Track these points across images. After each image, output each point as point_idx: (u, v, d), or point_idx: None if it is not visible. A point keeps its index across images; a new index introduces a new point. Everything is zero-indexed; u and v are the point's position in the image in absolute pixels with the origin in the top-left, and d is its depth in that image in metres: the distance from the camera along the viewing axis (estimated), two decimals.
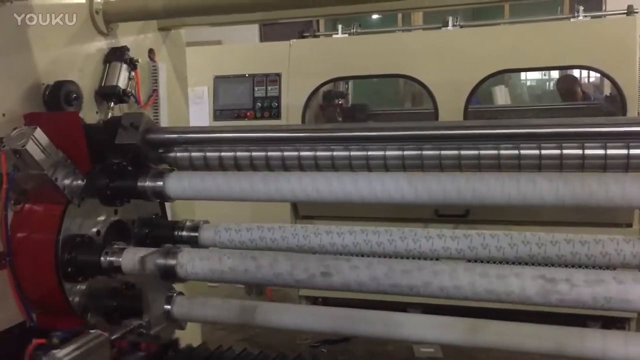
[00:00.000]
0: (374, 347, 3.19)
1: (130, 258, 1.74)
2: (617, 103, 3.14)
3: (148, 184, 1.79)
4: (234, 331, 3.39)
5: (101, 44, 2.03)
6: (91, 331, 1.54)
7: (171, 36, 2.38)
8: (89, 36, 2.00)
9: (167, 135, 1.82)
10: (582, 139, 1.50)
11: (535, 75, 7.37)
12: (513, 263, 1.81)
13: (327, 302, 3.48)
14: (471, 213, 3.38)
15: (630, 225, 3.17)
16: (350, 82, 4.46)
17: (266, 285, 3.34)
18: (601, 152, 1.49)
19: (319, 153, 1.78)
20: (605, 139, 1.48)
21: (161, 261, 1.72)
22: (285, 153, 1.81)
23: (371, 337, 1.75)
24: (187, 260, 1.74)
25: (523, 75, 7.18)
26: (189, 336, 2.08)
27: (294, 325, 1.87)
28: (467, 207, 3.31)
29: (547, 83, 7.15)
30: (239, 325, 2.65)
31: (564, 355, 1.55)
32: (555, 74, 5.68)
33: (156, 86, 2.23)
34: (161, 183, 1.79)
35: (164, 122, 2.26)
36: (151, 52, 2.27)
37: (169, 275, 1.74)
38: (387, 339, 1.69)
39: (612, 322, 3.17)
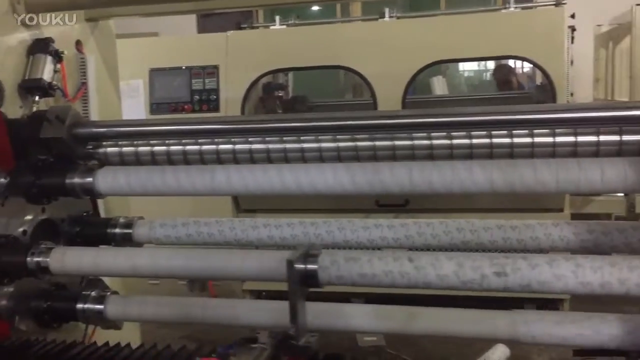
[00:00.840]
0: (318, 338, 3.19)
1: (58, 258, 1.67)
2: (547, 92, 3.24)
3: (77, 180, 1.72)
4: (176, 329, 3.34)
5: (23, 36, 1.94)
6: None
7: (100, 27, 2.30)
8: (10, 27, 1.90)
9: (95, 129, 1.76)
10: (510, 126, 1.54)
11: (473, 65, 7.55)
12: (448, 250, 1.84)
13: (271, 295, 3.47)
14: (411, 202, 3.44)
15: (561, 210, 3.28)
16: (290, 74, 4.45)
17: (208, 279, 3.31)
18: (528, 140, 1.54)
19: (254, 146, 1.76)
20: (531, 125, 1.52)
21: None
22: (221, 146, 1.79)
23: (316, 329, 1.74)
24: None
25: (461, 65, 7.35)
26: (128, 336, 2.02)
27: (235, 321, 1.85)
28: (406, 197, 3.36)
29: (484, 73, 7.34)
30: (179, 323, 2.59)
31: (499, 339, 1.59)
32: (492, 64, 5.82)
33: (85, 79, 2.15)
34: (91, 179, 1.73)
35: (94, 116, 2.18)
36: (79, 43, 2.18)
37: None
38: (331, 330, 1.68)
39: (546, 303, 3.29)
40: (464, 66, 7.54)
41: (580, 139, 1.52)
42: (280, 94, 4.15)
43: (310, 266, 1.48)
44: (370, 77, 3.38)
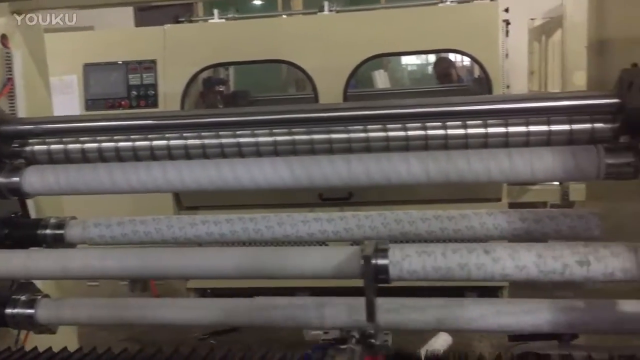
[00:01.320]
0: (264, 333, 3.18)
1: None
2: (484, 85, 3.31)
3: (2, 180, 1.65)
4: (115, 331, 3.25)
5: None
6: None
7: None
8: None
9: (21, 127, 1.68)
10: (444, 118, 1.56)
11: (415, 59, 7.66)
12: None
13: (216, 293, 3.42)
14: (354, 195, 3.45)
15: (499, 199, 3.37)
16: (231, 69, 4.39)
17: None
18: (462, 131, 1.56)
19: (190, 142, 1.73)
20: (464, 117, 1.54)
21: None
22: (155, 142, 1.74)
23: (262, 325, 1.72)
24: None
25: (403, 59, 7.44)
26: (65, 340, 1.95)
27: (179, 320, 1.80)
28: (348, 189, 3.37)
29: (427, 67, 7.45)
30: (118, 325, 2.52)
31: (441, 328, 1.60)
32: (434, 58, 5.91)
33: (11, 74, 2.06)
34: (17, 179, 1.66)
35: (21, 113, 2.09)
36: (4, 37, 2.09)
37: None
38: (277, 325, 1.66)
39: (487, 291, 3.37)
40: (406, 60, 7.64)
41: (511, 129, 1.55)
42: (221, 89, 4.09)
43: (381, 261, 1.44)
44: (311, 71, 3.38)
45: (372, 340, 1.41)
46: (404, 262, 1.45)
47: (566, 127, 1.51)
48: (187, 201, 3.57)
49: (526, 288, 3.11)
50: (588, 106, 1.45)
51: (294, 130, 1.66)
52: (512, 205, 3.43)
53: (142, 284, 3.52)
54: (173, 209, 3.54)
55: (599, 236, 1.57)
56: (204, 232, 1.75)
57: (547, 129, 1.53)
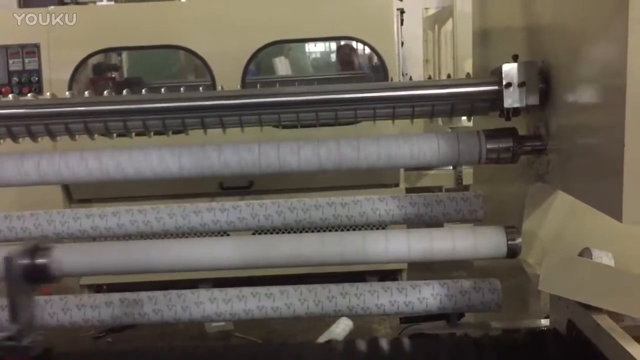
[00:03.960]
0: (163, 328, 3.10)
1: None
2: (381, 72, 3.37)
3: None
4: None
5: None
6: None
7: None
8: None
9: None
10: (333, 105, 1.56)
11: (318, 47, 7.67)
12: (283, 230, 1.84)
13: (112, 288, 3.29)
14: (255, 184, 3.42)
15: (397, 185, 3.46)
16: (124, 54, 4.19)
17: None
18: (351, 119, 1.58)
19: (72, 125, 1.62)
20: (353, 104, 1.55)
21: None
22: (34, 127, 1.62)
23: (159, 321, 1.65)
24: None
25: (306, 46, 7.42)
26: None
27: (68, 320, 1.69)
28: (249, 178, 3.34)
29: (329, 55, 7.48)
30: None
31: (337, 314, 1.61)
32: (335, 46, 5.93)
33: None
34: None
35: None
36: None
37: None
38: (175, 320, 1.61)
39: (387, 275, 3.46)
40: (308, 47, 7.62)
41: (398, 113, 1.58)
42: (112, 76, 3.90)
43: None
44: (207, 57, 3.29)
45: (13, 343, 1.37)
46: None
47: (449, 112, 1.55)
48: (77, 194, 3.39)
49: (423, 270, 3.22)
50: (469, 93, 1.49)
51: (186, 119, 1.60)
52: (409, 191, 3.54)
53: None
54: (63, 202, 3.35)
55: (482, 217, 1.65)
56: (89, 226, 1.67)
57: (431, 113, 1.57)
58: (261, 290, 1.57)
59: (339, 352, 1.37)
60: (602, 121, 1.13)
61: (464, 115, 1.60)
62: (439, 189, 3.63)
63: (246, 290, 1.57)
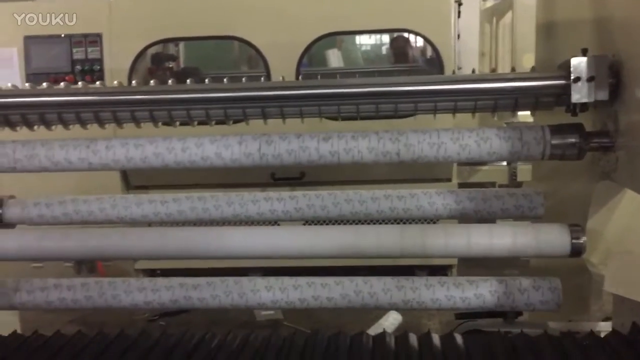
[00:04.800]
0: (214, 315, 3.16)
1: None
2: (436, 65, 3.33)
3: None
4: (63, 313, 3.16)
5: None
6: None
7: None
8: None
9: None
10: (394, 98, 1.55)
11: (370, 39, 7.62)
12: (338, 221, 1.85)
13: (166, 273, 3.37)
14: (307, 175, 3.44)
15: (449, 179, 3.41)
16: (181, 45, 4.27)
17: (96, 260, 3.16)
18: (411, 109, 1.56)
19: (137, 113, 1.66)
20: (414, 97, 1.54)
21: None
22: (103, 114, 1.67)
23: (216, 306, 1.69)
24: None
25: (357, 39, 7.39)
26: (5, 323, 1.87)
27: (129, 302, 1.73)
28: (301, 169, 3.36)
29: (381, 47, 7.43)
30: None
31: (390, 307, 1.61)
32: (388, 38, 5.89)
33: None
34: None
35: None
36: None
37: None
38: (232, 306, 1.64)
39: (437, 270, 3.43)
40: (360, 39, 7.59)
41: (460, 107, 1.56)
42: (170, 65, 3.98)
43: None
44: (263, 48, 3.32)
45: None
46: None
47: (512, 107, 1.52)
48: (135, 180, 3.48)
49: (474, 266, 3.18)
50: (534, 87, 1.46)
51: (247, 108, 1.62)
52: (461, 186, 3.49)
53: (89, 266, 3.42)
54: (121, 188, 3.45)
55: (542, 214, 1.61)
56: (151, 212, 1.70)
57: (494, 107, 1.54)
58: (317, 280, 1.58)
59: (391, 346, 1.37)
60: None
61: (528, 110, 1.57)
62: (492, 184, 3.56)
63: (302, 280, 1.58)
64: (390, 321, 2.86)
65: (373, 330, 2.78)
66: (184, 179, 3.37)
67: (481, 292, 1.52)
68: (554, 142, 1.46)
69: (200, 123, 1.74)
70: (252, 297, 1.62)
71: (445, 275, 3.48)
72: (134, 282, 1.68)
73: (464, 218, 1.67)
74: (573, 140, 1.45)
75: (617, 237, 1.44)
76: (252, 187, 3.42)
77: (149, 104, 1.65)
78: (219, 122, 1.75)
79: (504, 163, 3.63)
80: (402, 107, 1.60)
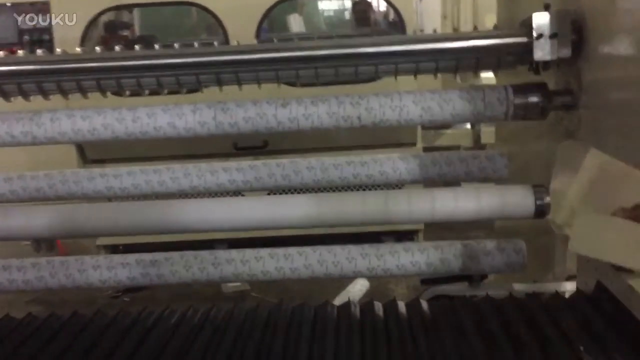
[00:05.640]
0: (179, 289, 3.10)
1: None
2: (398, 29, 3.27)
3: None
4: (23, 293, 3.06)
5: None
6: None
7: None
8: None
9: None
10: (353, 60, 1.49)
11: (333, 3, 7.50)
12: (300, 190, 1.80)
13: (129, 249, 3.29)
14: (270, 144, 3.37)
15: (414, 144, 3.39)
16: (136, 12, 4.11)
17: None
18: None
19: (83, 82, 1.57)
20: (374, 59, 1.48)
21: None
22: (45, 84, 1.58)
23: (176, 282, 1.63)
24: None
25: (319, 4, 7.26)
26: None
27: (84, 281, 1.66)
28: (264, 137, 3.29)
29: (343, 12, 7.32)
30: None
31: (356, 274, 1.58)
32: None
33: None
34: None
35: None
36: None
37: None
38: (193, 281, 1.58)
39: (403, 235, 3.43)
40: (322, 4, 7.47)
41: (422, 68, 1.51)
42: (125, 34, 3.82)
43: None
44: (220, 14, 3.20)
45: None
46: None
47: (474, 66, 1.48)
48: (92, 154, 3.36)
49: (440, 230, 3.18)
50: (495, 46, 1.42)
51: (201, 75, 1.54)
52: (426, 150, 3.46)
53: (48, 244, 3.32)
54: (77, 162, 3.33)
55: (506, 176, 1.59)
56: (104, 187, 1.63)
57: (455, 67, 1.50)
58: (279, 251, 1.53)
59: (356, 315, 1.34)
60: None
61: (490, 70, 1.53)
62: (457, 148, 3.56)
63: (264, 252, 1.54)
64: (358, 288, 2.85)
65: (341, 298, 2.77)
66: (144, 152, 3.27)
67: (446, 256, 1.50)
68: (517, 102, 1.43)
69: (153, 93, 1.66)
70: (214, 271, 1.57)
71: (412, 240, 3.48)
72: (89, 260, 1.61)
73: (429, 182, 1.64)
74: (536, 99, 1.42)
75: (581, 196, 1.42)
76: (215, 158, 3.34)
77: (95, 72, 1.56)
78: (172, 92, 1.67)
79: (468, 126, 3.63)
80: (362, 70, 1.55)
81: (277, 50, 1.52)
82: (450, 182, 1.63)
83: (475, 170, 1.60)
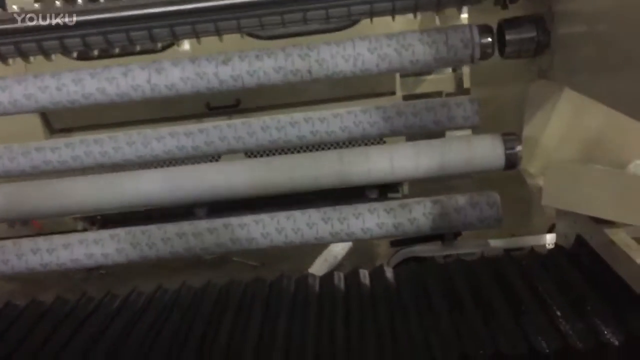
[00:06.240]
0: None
1: None
2: None
3: None
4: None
5: None
6: None
7: None
8: None
9: None
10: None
11: None
12: (255, 152, 1.68)
13: (109, 219, 3.18)
14: (243, 102, 3.22)
15: (393, 92, 3.24)
16: None
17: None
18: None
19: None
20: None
21: None
22: None
23: (138, 258, 1.51)
24: None
25: None
26: None
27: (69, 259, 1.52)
28: (235, 96, 3.14)
29: None
30: None
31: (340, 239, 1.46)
32: None
33: None
34: None
35: None
36: None
37: None
38: (157, 257, 1.47)
39: (388, 187, 3.31)
40: None
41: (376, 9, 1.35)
42: None
43: None
44: None
45: None
46: None
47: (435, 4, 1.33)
48: (57, 122, 3.21)
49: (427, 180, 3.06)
50: None
51: (153, 29, 1.35)
52: (406, 98, 3.31)
53: (22, 220, 3.21)
54: (43, 132, 3.19)
55: (478, 123, 1.46)
56: (41, 162, 1.50)
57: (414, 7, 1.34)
58: (234, 221, 1.41)
59: (316, 287, 1.24)
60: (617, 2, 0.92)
61: (454, 6, 1.38)
62: (439, 94, 3.40)
63: (217, 222, 1.42)
64: (341, 246, 2.76)
65: (323, 257, 2.68)
66: (111, 117, 3.12)
67: (415, 216, 1.38)
68: (484, 41, 1.29)
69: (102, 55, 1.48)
70: (178, 242, 1.43)
71: (397, 191, 3.37)
72: (58, 240, 1.47)
73: (411, 136, 1.51)
74: (531, 34, 1.26)
75: (556, 143, 1.30)
76: (187, 120, 3.20)
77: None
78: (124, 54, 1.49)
79: (450, 70, 3.47)
80: (332, 13, 1.36)
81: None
82: (434, 133, 1.48)
83: (444, 119, 1.46)
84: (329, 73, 1.33)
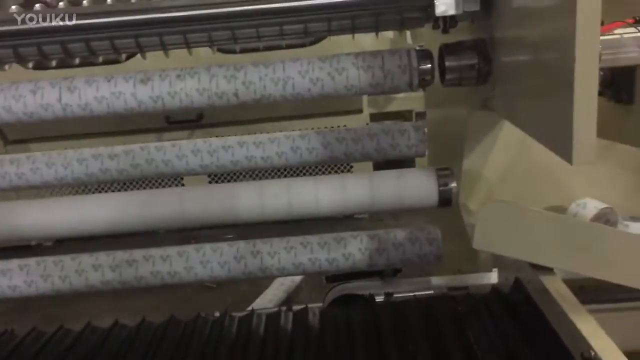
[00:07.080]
0: None
1: None
2: None
3: None
4: None
5: None
6: None
7: None
8: None
9: None
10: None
11: None
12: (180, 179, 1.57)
13: None
14: (205, 116, 3.14)
15: (360, 110, 3.17)
16: None
17: None
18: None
19: None
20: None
21: None
22: None
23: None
24: None
25: None
26: None
27: None
28: (198, 111, 3.06)
29: None
30: None
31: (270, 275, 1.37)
32: None
33: None
34: None
35: None
36: None
37: None
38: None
39: None
40: None
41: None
42: None
43: None
44: None
45: None
46: None
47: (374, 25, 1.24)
48: (12, 134, 3.11)
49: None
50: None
51: (115, 39, 1.25)
52: (375, 116, 3.25)
53: None
54: None
55: (424, 152, 1.37)
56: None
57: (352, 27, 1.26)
58: (156, 253, 1.31)
59: (233, 330, 1.13)
60: (550, 30, 0.84)
61: (395, 29, 1.30)
62: (409, 113, 3.32)
63: (137, 254, 1.31)
64: (290, 278, 2.65)
65: (279, 281, 2.57)
66: (68, 129, 3.04)
67: (350, 251, 1.29)
68: (423, 67, 1.20)
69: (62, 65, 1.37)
70: (94, 274, 1.32)
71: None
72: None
73: (334, 162, 1.41)
74: (471, 61, 1.18)
75: (498, 177, 1.21)
76: (146, 133, 3.13)
77: None
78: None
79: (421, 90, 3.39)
80: (264, 32, 1.29)
81: (205, 7, 1.20)
82: (354, 160, 1.39)
83: (387, 147, 1.37)
84: (257, 97, 1.23)
